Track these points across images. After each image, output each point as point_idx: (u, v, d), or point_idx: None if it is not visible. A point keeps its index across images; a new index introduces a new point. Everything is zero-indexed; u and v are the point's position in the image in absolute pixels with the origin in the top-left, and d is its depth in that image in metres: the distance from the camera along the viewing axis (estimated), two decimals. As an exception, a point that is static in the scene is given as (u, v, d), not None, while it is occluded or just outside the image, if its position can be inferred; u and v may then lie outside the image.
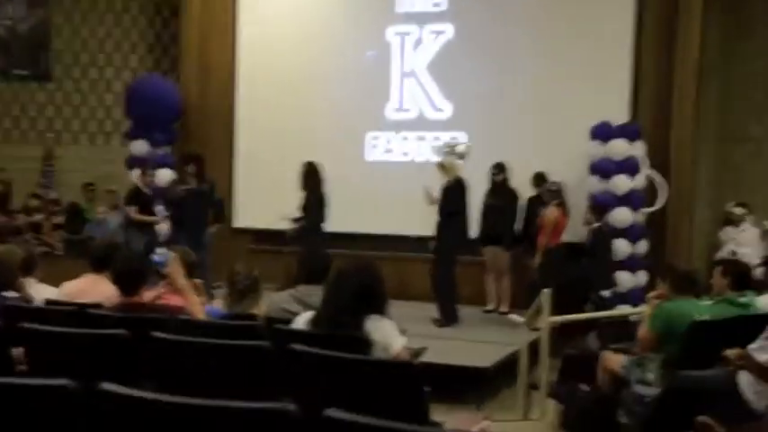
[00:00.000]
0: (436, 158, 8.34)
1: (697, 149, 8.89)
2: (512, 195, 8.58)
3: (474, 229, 8.31)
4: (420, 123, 9.74)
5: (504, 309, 8.65)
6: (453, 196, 7.92)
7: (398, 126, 9.74)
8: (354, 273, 3.61)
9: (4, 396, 2.15)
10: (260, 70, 10.53)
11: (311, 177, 8.45)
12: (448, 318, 7.89)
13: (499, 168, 8.53)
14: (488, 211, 8.50)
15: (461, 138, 9.22)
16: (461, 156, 8.18)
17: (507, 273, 8.63)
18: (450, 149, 8.22)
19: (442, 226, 7.96)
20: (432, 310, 8.14)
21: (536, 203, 8.44)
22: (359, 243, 9.11)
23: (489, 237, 8.52)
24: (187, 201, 8.78)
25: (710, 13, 8.96)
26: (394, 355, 3.43)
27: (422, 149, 9.67)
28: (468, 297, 8.79)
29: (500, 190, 8.53)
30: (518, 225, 8.67)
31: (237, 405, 1.93)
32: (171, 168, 10.01)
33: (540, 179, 8.45)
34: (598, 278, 7.96)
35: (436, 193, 8.04)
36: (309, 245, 7.82)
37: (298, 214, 8.45)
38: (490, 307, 8.76)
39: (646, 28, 8.88)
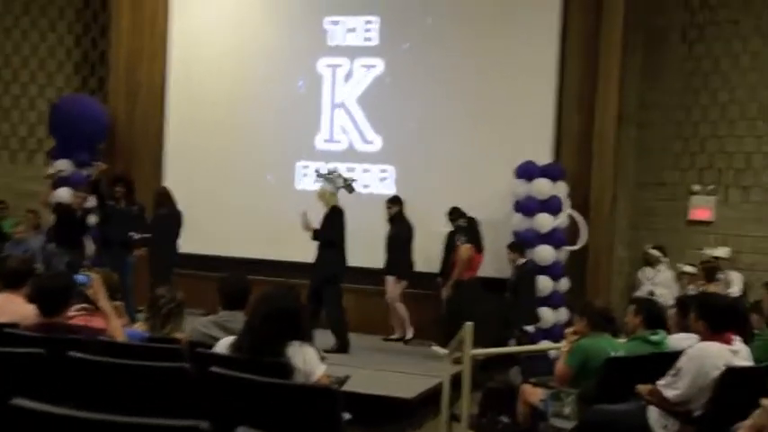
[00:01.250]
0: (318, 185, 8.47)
1: (616, 192, 9.21)
2: (407, 227, 8.74)
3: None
4: (350, 155, 9.80)
5: (408, 336, 8.80)
6: (331, 225, 8.10)
7: (328, 156, 9.79)
8: (277, 298, 3.62)
9: None
10: (190, 92, 10.45)
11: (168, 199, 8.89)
12: (342, 345, 7.97)
13: (392, 201, 8.76)
14: (386, 243, 8.71)
15: (390, 171, 9.48)
16: (345, 187, 8.33)
17: (398, 301, 8.77)
18: (329, 178, 8.35)
19: (320, 255, 8.13)
20: (368, 339, 8.31)
21: (453, 237, 8.59)
22: (287, 271, 9.06)
23: (386, 267, 8.72)
24: (113, 221, 8.61)
25: (630, 61, 9.38)
26: (315, 381, 3.45)
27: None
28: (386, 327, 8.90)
29: (395, 221, 8.71)
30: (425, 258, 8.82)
31: (150, 422, 1.93)
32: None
33: (454, 213, 8.61)
34: (522, 313, 8.12)
35: (311, 220, 8.20)
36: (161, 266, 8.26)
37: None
38: (394, 336, 8.90)
39: (569, 72, 9.19)
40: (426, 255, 8.91)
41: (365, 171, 9.64)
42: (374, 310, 8.99)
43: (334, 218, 8.13)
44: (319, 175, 8.47)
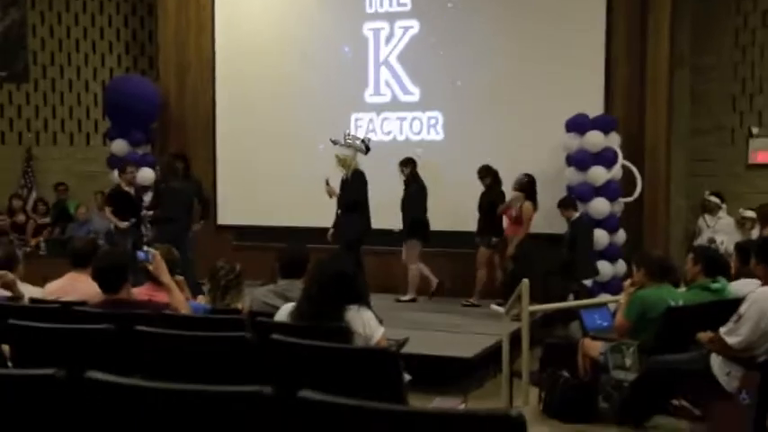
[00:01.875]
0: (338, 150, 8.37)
1: (670, 139, 9.03)
2: (421, 187, 8.75)
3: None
4: (394, 105, 9.91)
5: (405, 297, 8.91)
6: (352, 189, 8.08)
7: (377, 108, 9.94)
8: (332, 264, 3.69)
9: (-7, 388, 2.20)
10: (239, 66, 10.55)
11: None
12: None
13: (404, 164, 8.76)
14: (401, 205, 8.76)
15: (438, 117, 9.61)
16: (362, 149, 8.30)
17: (413, 263, 8.81)
18: (347, 143, 8.30)
19: (344, 219, 8.15)
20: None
21: (486, 196, 8.61)
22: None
23: (403, 230, 8.81)
24: (173, 198, 8.79)
25: (681, 2, 9.11)
26: (375, 345, 3.52)
27: (403, 128, 9.90)
28: (451, 290, 8.95)
29: (410, 183, 8.73)
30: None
31: (216, 389, 2.01)
32: (152, 167, 10.05)
33: (483, 171, 8.62)
34: (579, 268, 8.08)
35: (333, 186, 8.23)
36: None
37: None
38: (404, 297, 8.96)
39: (617, 18, 8.97)
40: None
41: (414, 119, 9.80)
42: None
43: (357, 181, 8.14)
44: (334, 142, 8.42)
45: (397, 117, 9.89)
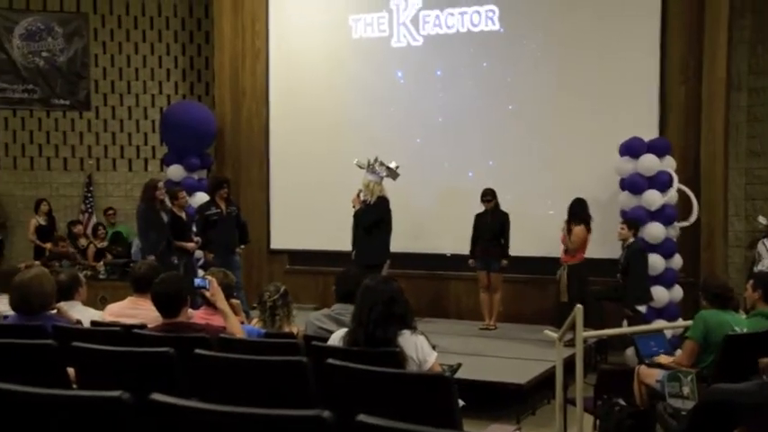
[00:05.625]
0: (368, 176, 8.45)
1: (728, 162, 8.87)
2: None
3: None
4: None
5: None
6: (372, 213, 8.22)
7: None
8: (377, 287, 3.71)
9: (60, 409, 2.28)
10: (293, 93, 10.70)
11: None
12: None
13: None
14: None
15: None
16: (390, 176, 8.39)
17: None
18: (371, 169, 8.40)
19: (362, 242, 8.27)
20: (464, 325, 8.40)
21: (482, 219, 8.68)
22: (400, 261, 8.99)
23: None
24: (219, 224, 8.92)
25: (738, 24, 8.98)
26: (428, 370, 3.53)
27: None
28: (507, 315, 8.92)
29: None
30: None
31: (277, 413, 2.05)
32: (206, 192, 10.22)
33: (488, 195, 8.64)
34: (633, 293, 7.96)
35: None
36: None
37: None
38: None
39: (672, 40, 8.87)
40: (533, 236, 8.88)
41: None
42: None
43: (379, 207, 8.25)
44: (360, 166, 8.52)
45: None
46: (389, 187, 8.57)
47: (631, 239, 8.03)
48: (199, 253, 9.38)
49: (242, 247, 9.28)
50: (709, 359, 4.85)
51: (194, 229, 9.21)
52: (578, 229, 8.20)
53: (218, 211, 8.97)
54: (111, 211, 11.59)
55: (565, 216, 8.35)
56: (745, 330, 4.85)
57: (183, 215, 9.06)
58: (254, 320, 5.23)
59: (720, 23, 8.53)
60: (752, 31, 9.22)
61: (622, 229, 8.03)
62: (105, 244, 11.13)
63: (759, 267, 8.46)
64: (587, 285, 8.18)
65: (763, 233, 8.93)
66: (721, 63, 8.54)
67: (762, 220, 8.59)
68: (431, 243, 9.68)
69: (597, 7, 9.16)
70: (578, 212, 8.26)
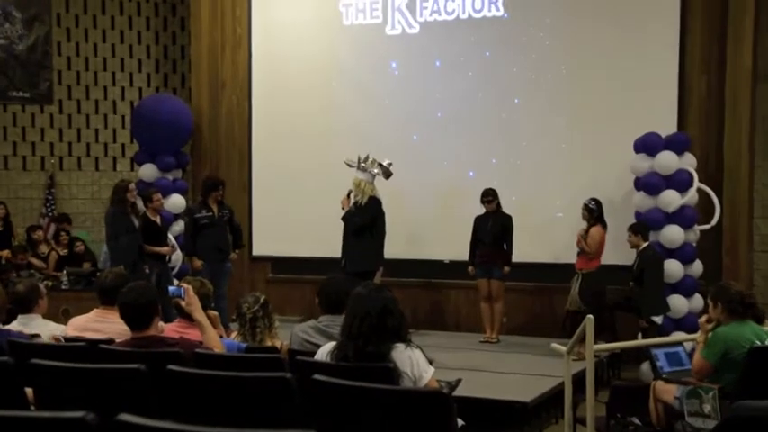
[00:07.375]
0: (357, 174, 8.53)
1: (753, 161, 8.89)
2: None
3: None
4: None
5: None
6: (367, 215, 8.28)
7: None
8: (369, 296, 3.71)
9: None
10: (278, 85, 10.71)
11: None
12: None
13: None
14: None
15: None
16: (373, 175, 8.45)
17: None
18: (362, 167, 8.46)
19: (353, 246, 8.35)
20: (463, 338, 8.45)
21: (482, 222, 8.73)
22: (391, 268, 9.04)
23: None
24: (210, 228, 8.92)
25: (763, 13, 8.99)
26: (424, 386, 3.53)
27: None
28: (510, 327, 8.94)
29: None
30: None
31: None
32: (182, 193, 10.22)
33: (489, 195, 8.68)
34: (648, 303, 7.98)
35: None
36: None
37: None
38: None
39: (693, 28, 8.89)
40: (539, 241, 8.89)
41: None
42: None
43: (370, 208, 8.28)
44: (349, 165, 8.57)
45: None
46: (382, 188, 8.59)
47: (644, 244, 8.04)
48: (175, 259, 9.37)
49: (236, 251, 9.32)
50: (728, 377, 4.86)
51: (170, 236, 9.22)
52: (594, 230, 8.21)
53: (210, 214, 8.98)
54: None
55: (575, 218, 8.36)
56: (767, 342, 4.86)
57: (158, 219, 9.04)
58: (234, 334, 5.23)
59: (746, 6, 8.55)
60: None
61: (629, 236, 8.07)
62: (67, 252, 11.06)
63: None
64: (603, 296, 8.19)
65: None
66: (747, 50, 8.57)
67: None
68: (427, 249, 9.69)
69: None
70: (595, 211, 8.27)
